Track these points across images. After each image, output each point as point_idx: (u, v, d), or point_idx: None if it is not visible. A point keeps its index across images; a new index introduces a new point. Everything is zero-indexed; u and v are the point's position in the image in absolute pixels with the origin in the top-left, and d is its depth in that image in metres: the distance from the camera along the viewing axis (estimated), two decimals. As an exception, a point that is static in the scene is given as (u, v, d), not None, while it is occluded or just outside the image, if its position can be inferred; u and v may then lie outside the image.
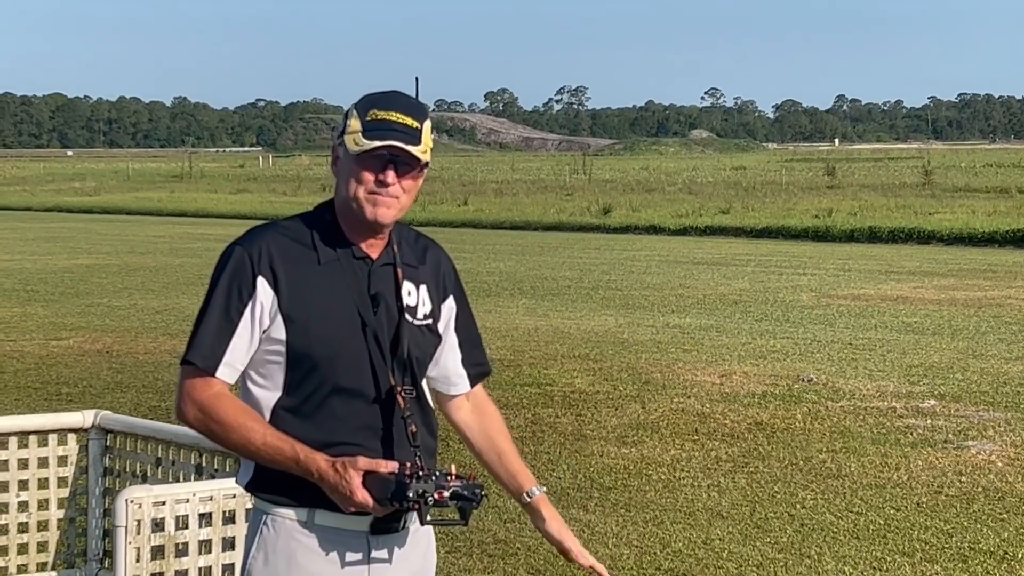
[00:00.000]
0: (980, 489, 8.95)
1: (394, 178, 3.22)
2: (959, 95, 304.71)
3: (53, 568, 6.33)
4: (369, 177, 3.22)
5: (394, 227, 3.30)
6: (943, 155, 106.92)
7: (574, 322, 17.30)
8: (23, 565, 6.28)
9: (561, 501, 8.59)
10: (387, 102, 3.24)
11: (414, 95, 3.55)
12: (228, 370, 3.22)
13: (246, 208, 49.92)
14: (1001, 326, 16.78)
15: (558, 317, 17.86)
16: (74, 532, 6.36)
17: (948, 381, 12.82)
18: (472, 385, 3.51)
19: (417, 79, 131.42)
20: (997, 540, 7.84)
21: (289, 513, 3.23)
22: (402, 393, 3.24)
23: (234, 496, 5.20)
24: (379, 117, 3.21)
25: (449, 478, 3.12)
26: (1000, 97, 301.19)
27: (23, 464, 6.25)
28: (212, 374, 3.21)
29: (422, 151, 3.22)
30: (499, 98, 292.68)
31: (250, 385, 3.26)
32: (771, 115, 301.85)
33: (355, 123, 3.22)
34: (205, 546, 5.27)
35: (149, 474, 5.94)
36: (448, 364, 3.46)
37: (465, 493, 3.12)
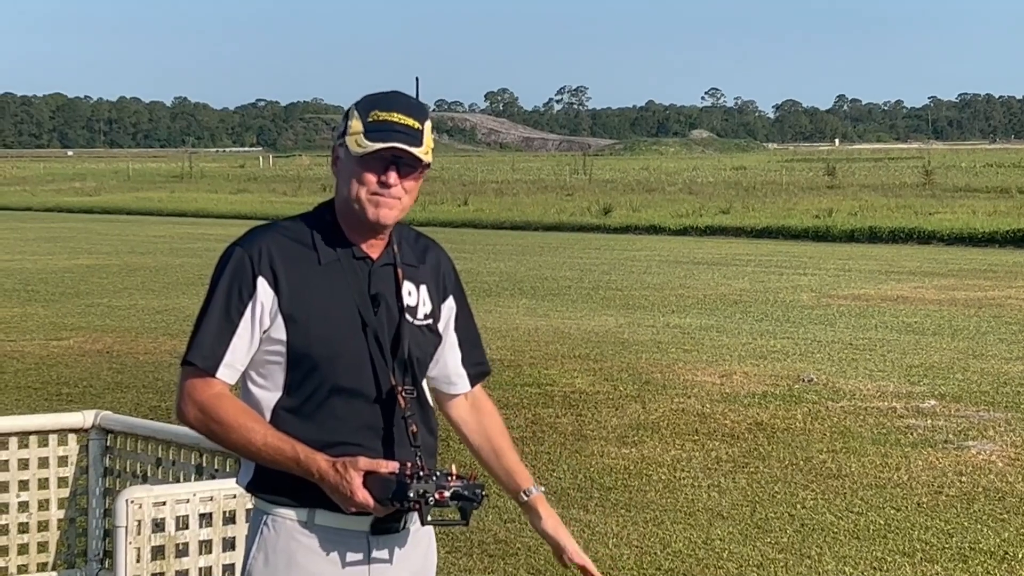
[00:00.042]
0: (980, 489, 8.95)
1: (396, 179, 3.22)
2: (959, 95, 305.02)
3: (53, 568, 6.33)
4: (371, 178, 3.22)
5: (394, 227, 3.31)
6: (943, 155, 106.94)
7: (574, 322, 17.30)
8: (23, 565, 6.28)
9: (561, 501, 8.59)
10: (388, 103, 3.24)
11: (414, 95, 3.55)
12: (228, 371, 3.22)
13: (246, 208, 49.91)
14: (1001, 326, 16.78)
15: (558, 317, 17.86)
16: (74, 532, 6.36)
17: (948, 381, 12.82)
18: (472, 385, 3.52)
19: (417, 79, 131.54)
20: (997, 540, 7.84)
21: (290, 513, 3.23)
22: (403, 393, 3.24)
23: (234, 496, 5.21)
24: (381, 118, 3.21)
25: (450, 478, 3.12)
26: (1000, 97, 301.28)
27: (23, 464, 6.25)
28: (212, 375, 3.21)
29: (424, 152, 3.23)
30: (499, 98, 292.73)
31: (250, 385, 3.27)
32: (771, 115, 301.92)
33: (356, 124, 3.22)
34: (205, 546, 5.27)
35: (149, 474, 5.94)
36: (448, 364, 3.46)
37: (466, 493, 3.12)
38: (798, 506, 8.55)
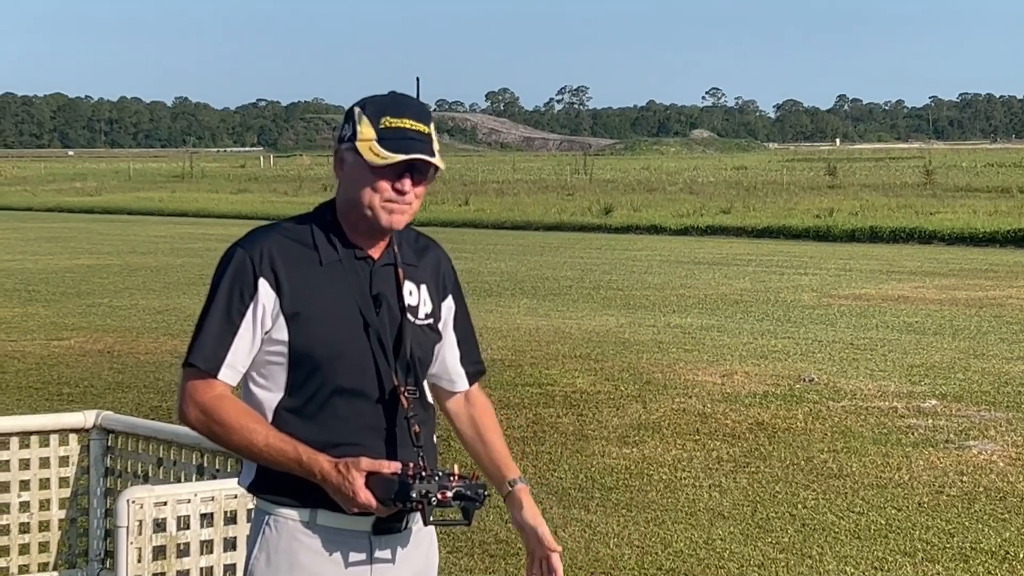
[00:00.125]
0: (981, 489, 8.95)
1: (410, 186, 3.23)
2: (960, 95, 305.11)
3: (55, 568, 6.33)
4: (386, 186, 3.22)
5: (395, 228, 3.32)
6: (944, 155, 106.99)
7: (575, 322, 17.30)
8: (25, 565, 6.28)
9: (562, 501, 8.60)
10: (397, 108, 3.24)
11: (415, 95, 3.55)
12: (230, 372, 3.22)
13: (247, 208, 49.92)
14: (1002, 326, 16.78)
15: (559, 317, 17.86)
16: (75, 532, 6.36)
17: (949, 381, 12.81)
18: (470, 384, 3.52)
19: (418, 79, 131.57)
20: (999, 540, 7.84)
21: (291, 514, 3.23)
22: (405, 393, 3.25)
23: (236, 496, 5.21)
24: (394, 125, 3.21)
25: (452, 478, 3.12)
26: (1001, 97, 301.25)
27: (24, 464, 6.25)
28: (214, 376, 3.21)
29: (439, 160, 3.25)
30: (500, 98, 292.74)
31: (252, 386, 3.27)
32: (772, 115, 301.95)
33: (368, 130, 3.21)
34: (207, 546, 5.28)
35: (151, 474, 5.94)
36: (447, 362, 3.47)
37: (468, 493, 3.12)
38: (799, 506, 8.55)
